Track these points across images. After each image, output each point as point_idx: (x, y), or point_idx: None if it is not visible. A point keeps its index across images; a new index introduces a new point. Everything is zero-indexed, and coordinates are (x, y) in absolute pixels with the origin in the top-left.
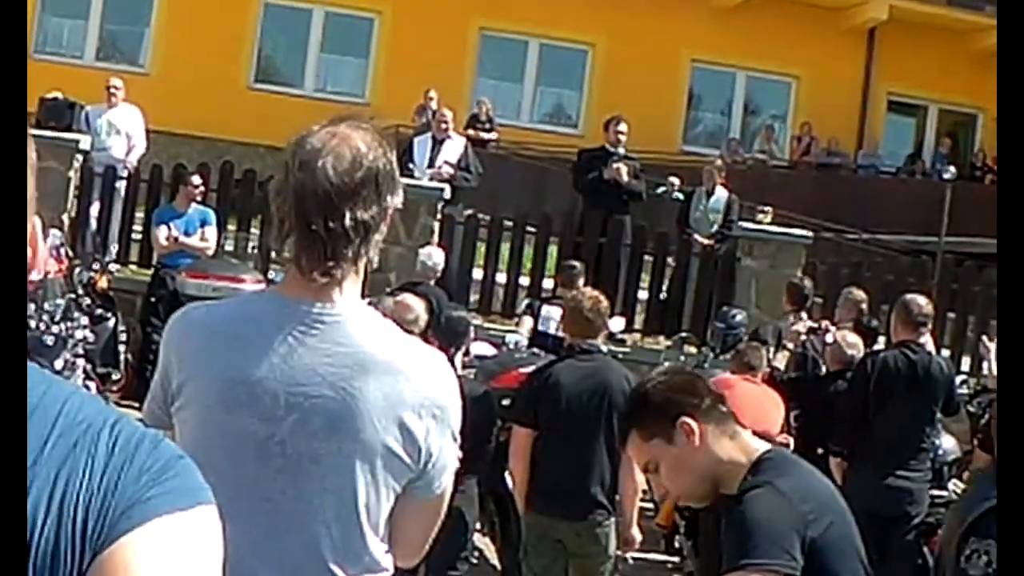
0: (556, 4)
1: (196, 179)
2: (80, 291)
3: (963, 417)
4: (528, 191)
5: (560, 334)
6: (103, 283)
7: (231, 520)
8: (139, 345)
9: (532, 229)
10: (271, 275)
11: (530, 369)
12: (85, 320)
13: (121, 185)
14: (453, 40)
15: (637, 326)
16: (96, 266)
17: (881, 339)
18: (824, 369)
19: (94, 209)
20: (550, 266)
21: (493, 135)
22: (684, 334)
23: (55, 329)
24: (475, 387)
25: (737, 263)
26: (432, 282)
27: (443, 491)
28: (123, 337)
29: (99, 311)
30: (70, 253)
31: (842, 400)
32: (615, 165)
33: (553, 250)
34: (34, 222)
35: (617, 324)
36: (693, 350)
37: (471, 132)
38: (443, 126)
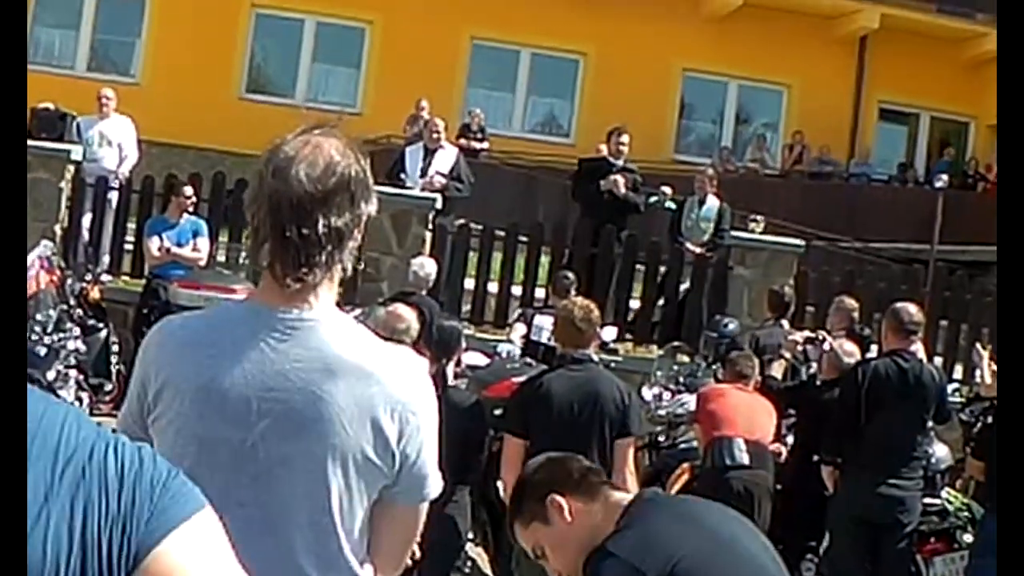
0: (547, 14)
1: (188, 189)
2: (72, 302)
3: (956, 425)
4: (520, 200)
5: (552, 343)
6: (95, 294)
7: None
8: (131, 356)
9: (524, 239)
10: None
11: (522, 379)
12: (77, 331)
13: (113, 196)
14: (444, 50)
15: (629, 335)
16: (88, 277)
17: (873, 347)
18: (812, 376)
19: (86, 220)
20: (542, 276)
21: (485, 144)
22: (676, 343)
23: (47, 340)
24: (467, 397)
25: (729, 272)
26: (424, 292)
27: (422, 499)
28: (115, 348)
29: (91, 322)
30: (62, 264)
31: (834, 408)
32: (612, 177)
33: (545, 260)
34: None
35: (609, 333)
36: (685, 359)
37: (463, 141)
38: (435, 136)
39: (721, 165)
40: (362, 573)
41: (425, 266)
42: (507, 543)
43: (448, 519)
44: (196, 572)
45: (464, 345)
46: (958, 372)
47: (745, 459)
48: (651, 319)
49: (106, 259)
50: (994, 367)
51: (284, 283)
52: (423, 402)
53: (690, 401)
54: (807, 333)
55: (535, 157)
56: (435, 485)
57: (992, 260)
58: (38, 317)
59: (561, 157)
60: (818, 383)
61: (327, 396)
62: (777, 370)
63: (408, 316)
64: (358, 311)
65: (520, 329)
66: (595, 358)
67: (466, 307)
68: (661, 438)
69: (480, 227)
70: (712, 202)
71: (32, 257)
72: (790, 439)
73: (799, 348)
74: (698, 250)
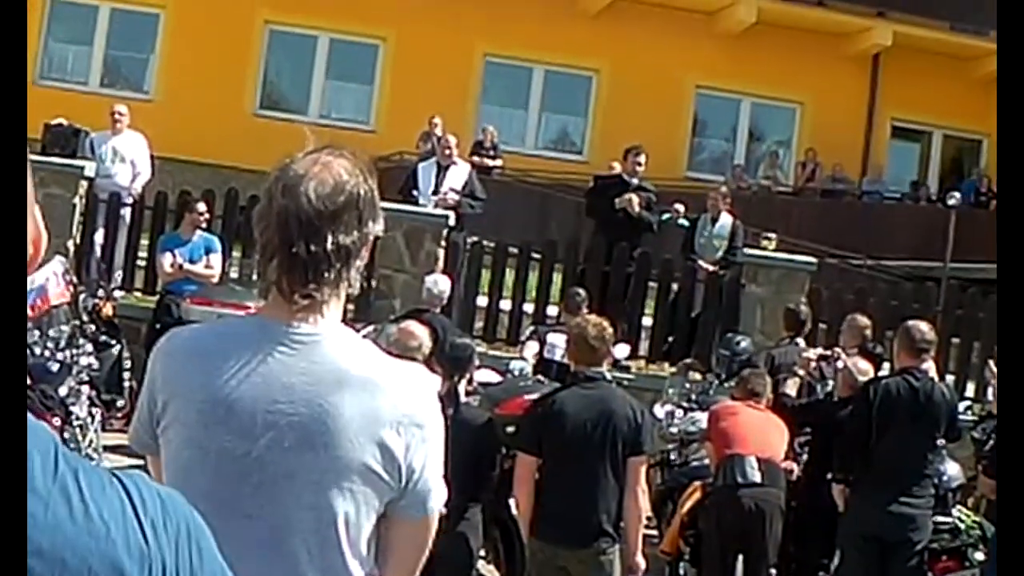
0: (561, 31)
1: (201, 206)
2: (85, 318)
3: (967, 443)
4: (533, 218)
5: (565, 361)
6: (108, 310)
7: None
8: (143, 372)
9: (537, 256)
10: None
11: (534, 396)
12: (90, 347)
13: (126, 212)
14: (458, 66)
15: (642, 353)
16: (101, 293)
17: (886, 365)
18: (834, 395)
19: (99, 236)
20: (555, 293)
21: (498, 162)
22: (689, 360)
23: (60, 356)
24: (479, 414)
25: (742, 289)
26: (438, 309)
27: (429, 513)
28: (128, 364)
29: (104, 338)
30: (75, 280)
31: (845, 427)
32: (627, 195)
33: (558, 277)
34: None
35: (621, 351)
36: (697, 377)
37: (475, 159)
38: (447, 152)
39: (734, 182)
40: None
41: (439, 283)
42: (519, 561)
43: (460, 536)
44: None
45: (476, 363)
46: (970, 390)
47: (757, 477)
48: (663, 337)
49: (119, 275)
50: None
51: (292, 299)
52: (428, 416)
53: (702, 419)
54: (820, 351)
55: (548, 174)
56: (440, 498)
57: None
58: (51, 333)
59: (574, 174)
60: (832, 400)
61: (333, 409)
62: (791, 388)
63: (420, 333)
64: (371, 328)
65: (533, 347)
66: (608, 376)
67: (479, 324)
68: (673, 456)
69: (493, 244)
70: (725, 219)
71: (47, 272)
72: (805, 457)
73: (812, 366)
74: (711, 268)
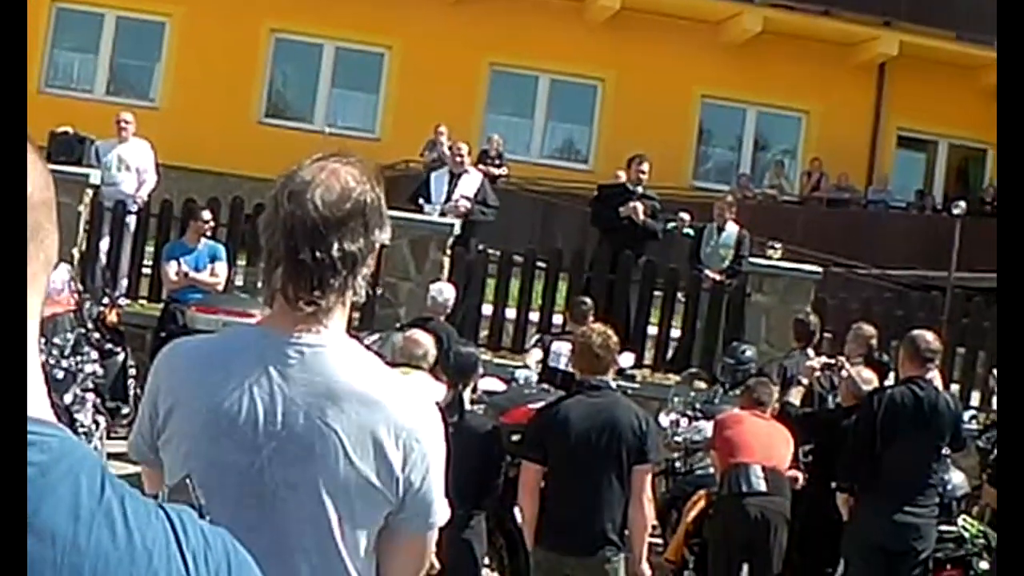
0: (566, 39)
1: (206, 214)
2: (90, 326)
3: (972, 452)
4: (538, 226)
5: (570, 369)
6: (113, 318)
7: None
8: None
9: (542, 264)
10: None
11: (539, 405)
12: (95, 354)
13: (131, 220)
14: (463, 75)
15: (647, 362)
16: (106, 301)
17: (891, 374)
18: (838, 404)
19: (104, 244)
20: (560, 302)
21: (503, 170)
22: (694, 370)
23: (65, 363)
24: (484, 422)
25: (747, 299)
26: (442, 318)
27: (430, 527)
28: (132, 372)
29: (109, 346)
30: (80, 288)
31: (849, 436)
32: (632, 204)
33: (563, 286)
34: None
35: (627, 360)
36: (703, 386)
37: (481, 167)
38: (459, 160)
39: (739, 191)
40: None
41: (444, 292)
42: (524, 569)
43: (465, 544)
44: None
45: (481, 371)
46: (975, 399)
47: (762, 486)
48: (669, 345)
49: (124, 283)
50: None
51: (297, 306)
52: (428, 429)
53: (707, 428)
54: (824, 359)
55: (553, 183)
56: (441, 513)
57: None
58: (56, 340)
59: (580, 183)
60: (835, 409)
61: (332, 422)
62: (795, 396)
63: (425, 342)
64: (376, 336)
65: (536, 354)
66: (613, 384)
67: (483, 333)
68: (678, 464)
69: (498, 253)
70: (731, 229)
71: (55, 280)
72: (810, 466)
73: (816, 374)
74: (717, 277)
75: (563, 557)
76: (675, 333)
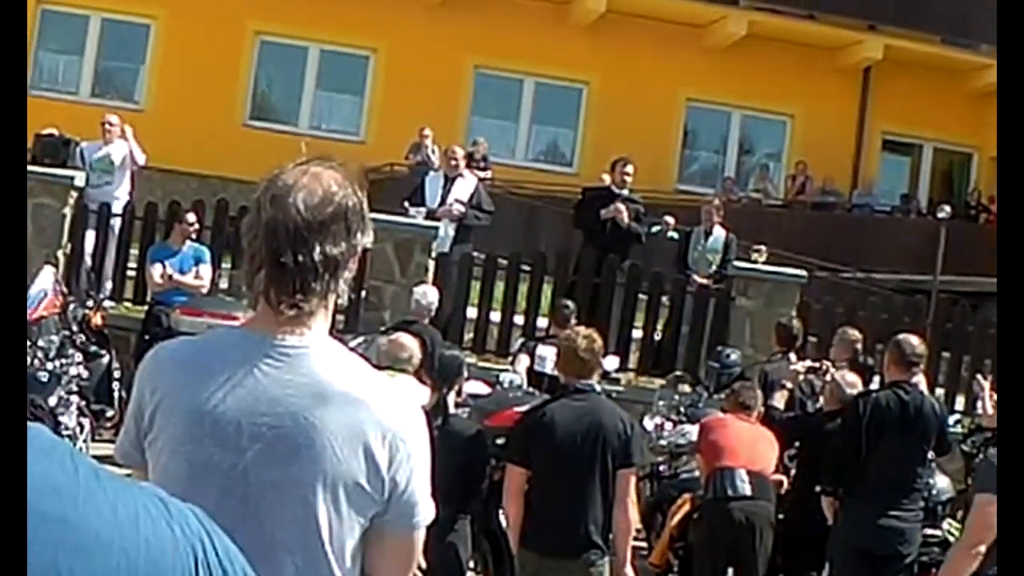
0: (551, 42)
1: (191, 216)
2: (74, 328)
3: (957, 456)
4: (522, 229)
5: (555, 373)
6: (97, 320)
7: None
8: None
9: (526, 268)
10: None
11: (524, 408)
12: (79, 357)
13: (116, 222)
14: (448, 78)
15: (631, 365)
16: (90, 303)
17: (876, 378)
18: (819, 408)
19: (88, 246)
20: (544, 305)
21: (488, 173)
22: (678, 373)
23: (49, 366)
24: (469, 426)
25: (732, 302)
26: (426, 321)
27: (416, 527)
28: (117, 374)
29: (93, 348)
30: (64, 290)
31: (834, 440)
32: (614, 205)
33: (547, 289)
34: None
35: (611, 363)
36: (687, 389)
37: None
38: (453, 163)
39: (724, 195)
40: None
41: (428, 295)
42: (508, 572)
43: (450, 548)
44: None
45: (466, 374)
46: (960, 403)
47: (747, 490)
48: (653, 349)
49: (108, 285)
50: (996, 398)
51: (279, 310)
52: (413, 429)
53: (691, 431)
54: (809, 363)
55: (538, 186)
56: (426, 512)
57: (994, 291)
58: (41, 343)
59: (564, 186)
60: (820, 413)
61: (317, 422)
62: (779, 401)
63: (410, 345)
64: (360, 339)
65: (524, 360)
66: (598, 388)
67: (468, 336)
68: (663, 468)
69: (482, 256)
70: (719, 233)
71: (38, 282)
72: (794, 470)
73: (802, 379)
74: (704, 281)
75: (548, 560)
76: (659, 336)
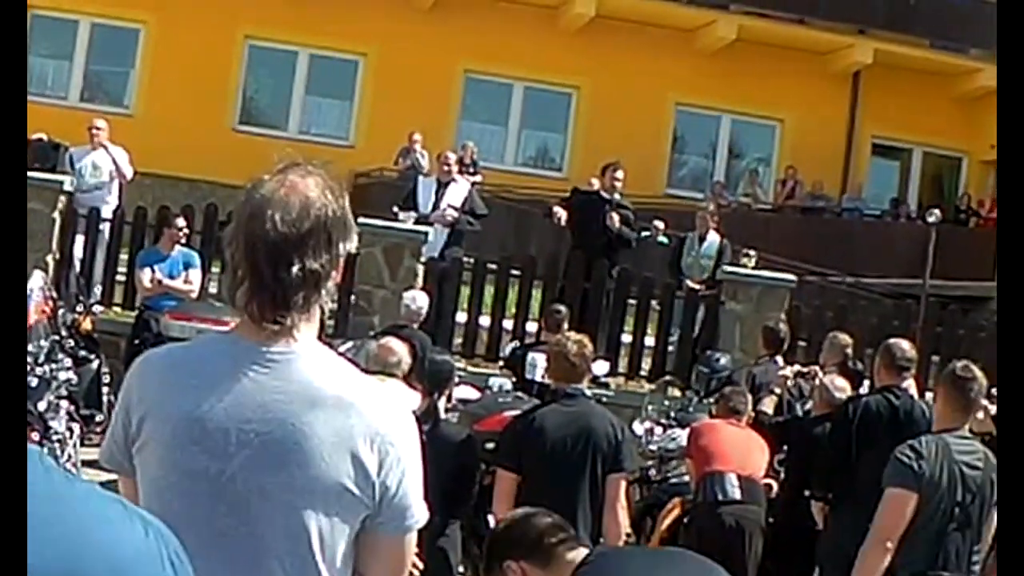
0: (541, 47)
1: (180, 221)
2: (64, 333)
3: None
4: (512, 234)
5: (545, 380)
6: (87, 325)
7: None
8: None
9: (516, 272)
10: None
11: (514, 413)
12: (69, 362)
13: (105, 227)
14: (438, 83)
15: (621, 369)
16: (80, 308)
17: (867, 383)
18: (807, 412)
19: (78, 251)
20: (534, 309)
21: (477, 178)
22: (668, 378)
23: (39, 371)
24: (458, 431)
25: (721, 307)
26: (416, 325)
27: (407, 531)
28: (106, 379)
29: (83, 353)
30: (54, 295)
31: (824, 444)
32: (609, 212)
33: (537, 293)
34: None
35: (601, 368)
36: (677, 394)
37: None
38: (446, 168)
39: (714, 199)
40: None
41: (417, 299)
42: None
43: (439, 552)
44: None
45: (456, 379)
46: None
47: (737, 494)
48: (643, 354)
49: (98, 290)
50: (986, 402)
51: (261, 324)
52: (403, 433)
53: (681, 436)
54: (798, 368)
55: (528, 190)
56: (419, 515)
57: (984, 295)
58: (30, 348)
59: (554, 191)
60: (809, 417)
61: (306, 428)
62: (768, 405)
63: (400, 350)
64: (349, 344)
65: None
66: (588, 393)
67: (458, 340)
68: (652, 473)
69: (472, 260)
70: (713, 238)
71: (32, 287)
72: (784, 474)
73: (791, 383)
74: (698, 287)
75: None
76: (649, 341)
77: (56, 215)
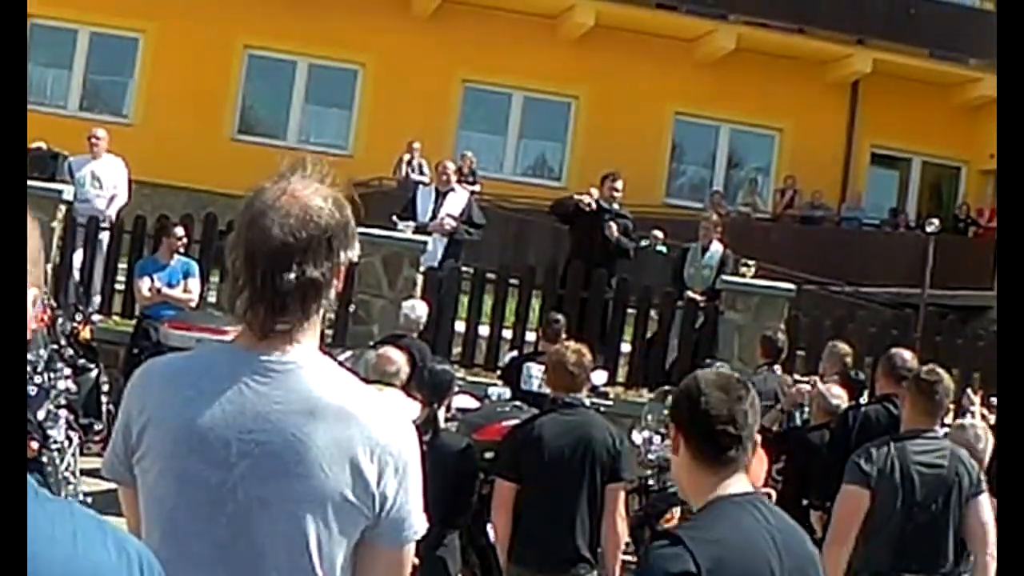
0: (540, 57)
1: (179, 230)
2: (63, 342)
3: None
4: (511, 243)
5: (544, 390)
6: (86, 334)
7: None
8: (121, 396)
9: (515, 282)
10: None
11: (513, 422)
12: (68, 371)
13: (104, 236)
14: (437, 92)
15: (620, 379)
16: (79, 317)
17: (866, 392)
18: (806, 421)
19: (77, 260)
20: (533, 319)
21: (476, 187)
22: (666, 387)
23: (37, 380)
24: (458, 440)
25: (720, 316)
26: (415, 335)
27: (406, 541)
28: (105, 388)
29: (82, 362)
30: (53, 304)
31: (823, 453)
32: (608, 222)
33: (536, 303)
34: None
35: (599, 377)
36: None
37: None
38: (445, 178)
39: (713, 209)
40: None
41: (416, 309)
42: None
43: (439, 562)
44: None
45: (455, 388)
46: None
47: None
48: (641, 362)
49: (97, 299)
50: (984, 411)
51: (260, 332)
52: (403, 444)
53: None
54: (798, 378)
55: (526, 200)
56: (417, 527)
57: (982, 305)
58: (29, 357)
59: (552, 200)
60: (807, 426)
61: (307, 438)
62: (769, 421)
63: (398, 359)
64: (348, 353)
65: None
66: (586, 402)
67: (456, 350)
68: (651, 482)
69: (471, 270)
70: (716, 248)
71: (32, 297)
72: (781, 484)
73: (794, 391)
74: (699, 297)
75: (536, 574)
76: (648, 351)
77: (55, 224)
